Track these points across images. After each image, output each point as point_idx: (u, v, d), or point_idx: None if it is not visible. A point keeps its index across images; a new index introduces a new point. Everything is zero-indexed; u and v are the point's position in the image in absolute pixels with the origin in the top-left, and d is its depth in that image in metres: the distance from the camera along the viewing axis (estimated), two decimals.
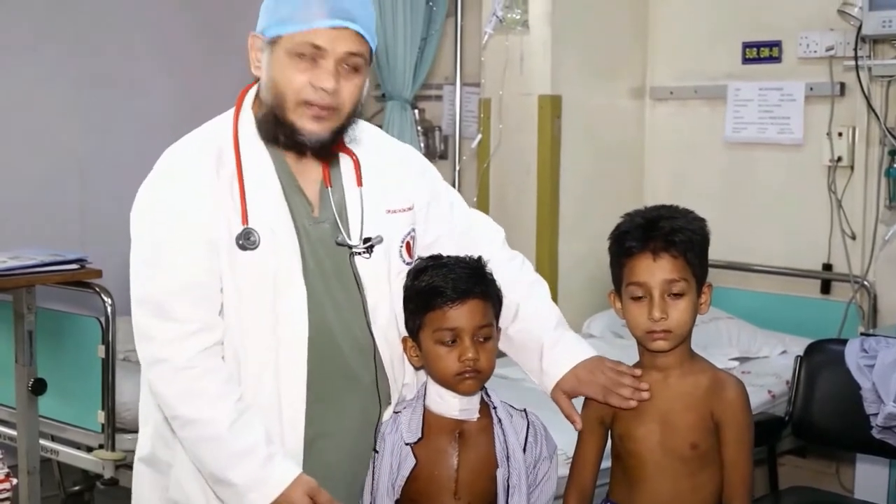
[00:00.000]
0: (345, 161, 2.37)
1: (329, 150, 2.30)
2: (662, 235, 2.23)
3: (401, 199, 2.42)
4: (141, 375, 2.35)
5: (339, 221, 2.33)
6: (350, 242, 2.33)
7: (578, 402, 2.43)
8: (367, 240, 2.34)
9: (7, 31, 5.01)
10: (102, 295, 3.90)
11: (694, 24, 5.15)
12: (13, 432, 3.99)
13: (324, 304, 2.29)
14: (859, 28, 4.35)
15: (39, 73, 5.12)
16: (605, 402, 2.35)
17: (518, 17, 4.84)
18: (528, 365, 2.49)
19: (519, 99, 4.94)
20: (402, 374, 2.42)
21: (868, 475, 4.02)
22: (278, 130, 2.25)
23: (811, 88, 4.72)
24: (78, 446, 4.11)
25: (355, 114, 2.30)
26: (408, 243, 2.42)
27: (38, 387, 3.81)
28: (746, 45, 4.95)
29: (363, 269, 2.34)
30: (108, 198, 5.28)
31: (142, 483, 2.43)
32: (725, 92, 4.99)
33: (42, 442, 4.00)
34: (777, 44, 4.85)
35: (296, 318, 2.26)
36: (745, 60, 4.97)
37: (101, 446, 3.97)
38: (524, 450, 2.34)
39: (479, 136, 5.09)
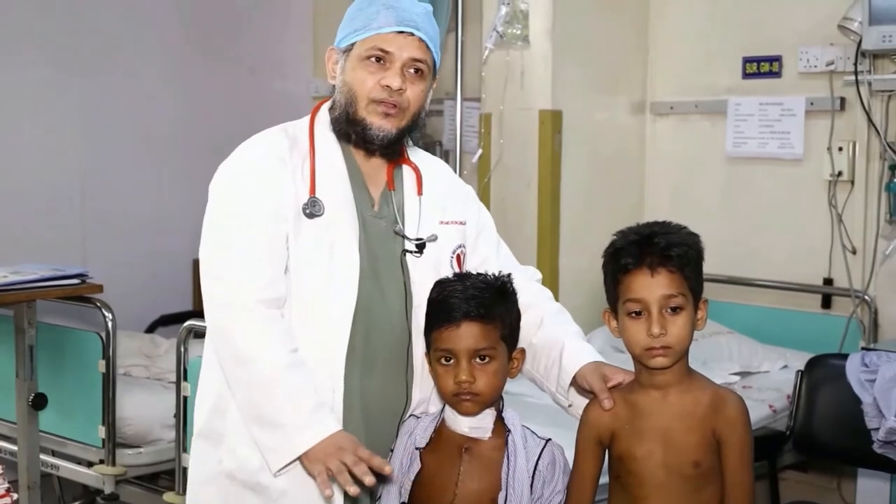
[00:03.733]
0: (408, 171, 2.55)
1: (395, 149, 2.48)
2: (659, 251, 2.23)
3: (455, 213, 2.57)
4: (204, 349, 2.47)
5: (398, 219, 2.48)
6: (406, 234, 2.46)
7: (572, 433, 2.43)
8: (419, 240, 2.47)
9: (9, 48, 5.02)
10: (103, 310, 3.91)
11: (694, 39, 5.16)
12: (14, 447, 4.00)
13: (371, 288, 2.40)
14: (859, 43, 4.36)
15: (42, 88, 5.14)
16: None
17: (518, 32, 4.85)
18: (546, 367, 2.51)
19: (519, 114, 4.95)
20: (429, 384, 2.46)
21: (869, 490, 4.01)
22: (350, 128, 2.43)
23: (811, 103, 4.72)
24: (78, 461, 4.12)
25: (419, 118, 2.47)
26: (458, 256, 2.54)
27: (39, 401, 3.81)
28: (747, 60, 4.96)
29: (413, 269, 2.46)
30: (109, 213, 5.31)
31: (196, 457, 2.52)
32: (726, 107, 5.00)
33: (42, 457, 4.01)
34: (777, 59, 4.86)
35: (346, 290, 2.37)
36: (746, 75, 4.98)
37: (101, 461, 3.97)
38: (532, 477, 2.33)
39: (480, 151, 5.10)
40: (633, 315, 2.26)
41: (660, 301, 2.22)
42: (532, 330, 2.52)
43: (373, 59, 2.39)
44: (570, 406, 2.49)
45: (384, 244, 2.45)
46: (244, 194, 2.38)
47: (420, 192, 2.52)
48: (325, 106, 2.51)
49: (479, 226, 2.63)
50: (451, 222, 2.55)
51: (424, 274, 2.45)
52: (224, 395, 2.38)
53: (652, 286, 2.23)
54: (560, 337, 2.51)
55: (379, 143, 2.43)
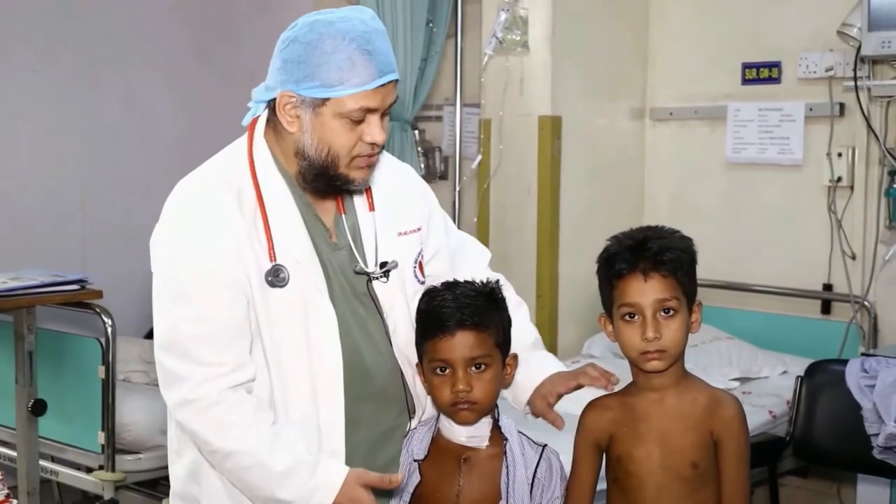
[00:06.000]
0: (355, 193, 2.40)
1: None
2: (652, 255, 2.24)
3: (410, 221, 2.45)
4: (168, 412, 2.36)
5: (353, 248, 2.36)
6: (367, 270, 2.35)
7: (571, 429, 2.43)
8: (383, 264, 2.37)
9: (10, 54, 5.03)
10: (103, 316, 3.91)
11: (694, 44, 5.16)
12: (13, 453, 4.00)
13: (352, 328, 2.32)
14: (858, 49, 4.36)
15: (42, 95, 5.14)
16: (574, 382, 2.40)
17: (518, 38, 4.85)
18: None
19: (519, 119, 4.95)
20: (424, 395, 2.43)
21: (869, 496, 4.01)
22: (326, 183, 2.28)
23: (811, 109, 4.73)
24: (78, 467, 4.12)
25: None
26: (420, 263, 2.46)
27: (39, 407, 3.81)
28: (746, 66, 4.96)
29: (381, 293, 2.37)
30: (109, 219, 5.31)
31: None
32: (725, 112, 5.00)
33: (42, 463, 4.01)
34: (777, 64, 4.87)
35: (329, 345, 2.27)
36: (745, 81, 4.98)
37: (100, 467, 3.98)
38: (532, 485, 2.33)
39: (480, 157, 5.10)
40: (628, 319, 2.27)
41: (653, 305, 2.24)
42: None
43: (355, 119, 2.21)
44: (526, 415, 2.50)
45: (350, 277, 2.34)
46: (195, 276, 2.20)
47: (372, 209, 2.40)
48: (260, 129, 2.32)
49: (428, 214, 2.52)
50: (409, 231, 2.44)
51: (393, 295, 2.38)
52: (198, 462, 2.30)
53: (646, 290, 2.24)
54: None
55: (357, 191, 2.34)
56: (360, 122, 2.21)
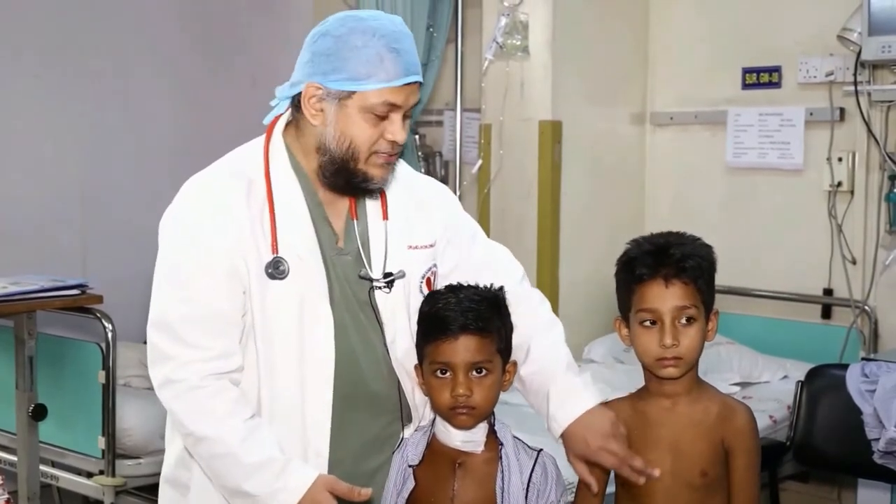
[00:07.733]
0: (372, 195, 2.39)
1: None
2: (674, 262, 2.24)
3: (423, 236, 2.44)
4: None
5: (362, 254, 2.35)
6: (372, 275, 2.35)
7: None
8: (388, 274, 2.36)
9: (10, 58, 5.03)
10: (103, 320, 3.91)
11: (694, 49, 5.16)
12: (14, 458, 3.99)
13: (349, 333, 2.32)
14: (859, 53, 4.36)
15: (42, 99, 5.14)
16: (618, 471, 2.30)
17: (518, 42, 4.86)
18: (539, 408, 2.46)
19: (519, 124, 4.95)
20: (423, 405, 2.42)
21: (870, 500, 4.01)
22: (344, 178, 2.28)
23: (811, 113, 4.73)
24: (78, 472, 4.11)
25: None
26: (428, 279, 2.44)
27: (39, 412, 3.81)
28: (746, 71, 4.97)
29: (382, 303, 2.36)
30: (109, 224, 5.30)
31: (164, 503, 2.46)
32: (726, 117, 5.00)
33: (42, 468, 4.01)
34: (777, 69, 4.87)
35: (323, 347, 2.28)
36: (745, 86, 4.98)
37: (101, 472, 3.96)
38: (527, 490, 2.32)
39: (480, 162, 5.10)
40: (646, 325, 2.27)
41: (673, 312, 2.24)
42: (520, 357, 2.43)
43: (378, 114, 2.23)
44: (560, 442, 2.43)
45: (353, 283, 2.34)
46: (196, 267, 2.23)
47: (385, 217, 2.39)
48: (280, 128, 2.35)
49: (451, 228, 2.50)
50: (420, 247, 2.42)
51: (395, 305, 2.36)
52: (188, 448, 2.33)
53: (666, 297, 2.24)
54: (546, 379, 2.41)
55: (376, 190, 2.33)
56: (383, 118, 2.23)
